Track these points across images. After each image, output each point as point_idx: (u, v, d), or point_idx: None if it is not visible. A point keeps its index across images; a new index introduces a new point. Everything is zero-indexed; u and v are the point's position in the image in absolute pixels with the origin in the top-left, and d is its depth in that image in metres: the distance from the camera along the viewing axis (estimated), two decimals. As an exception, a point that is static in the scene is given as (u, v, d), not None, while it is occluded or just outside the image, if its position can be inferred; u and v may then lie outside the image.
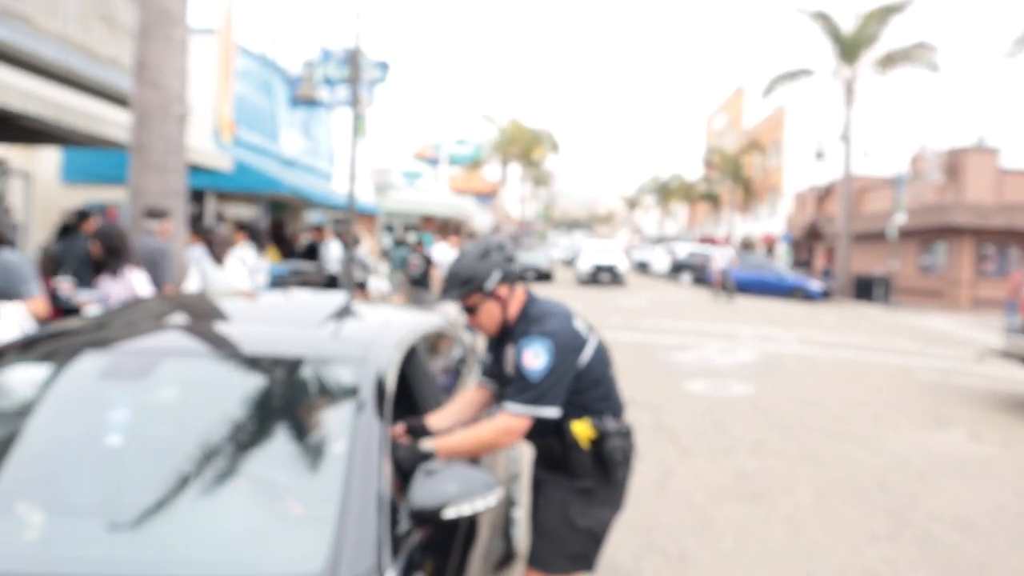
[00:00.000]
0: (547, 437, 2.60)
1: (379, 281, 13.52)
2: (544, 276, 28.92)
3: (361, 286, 13.09)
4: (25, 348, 2.36)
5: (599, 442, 2.55)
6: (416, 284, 12.61)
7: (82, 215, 7.12)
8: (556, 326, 2.52)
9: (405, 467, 2.17)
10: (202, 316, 2.75)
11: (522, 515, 3.98)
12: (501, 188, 44.94)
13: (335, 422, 2.13)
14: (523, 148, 41.56)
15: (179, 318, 2.66)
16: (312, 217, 18.20)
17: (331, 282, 11.65)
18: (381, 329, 2.70)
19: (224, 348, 2.38)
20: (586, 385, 2.58)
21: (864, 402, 8.65)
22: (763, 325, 16.21)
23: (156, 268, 5.52)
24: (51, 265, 6.42)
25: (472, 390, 2.80)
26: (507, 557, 3.81)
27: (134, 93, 6.27)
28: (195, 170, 10.28)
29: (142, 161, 6.22)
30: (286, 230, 16.23)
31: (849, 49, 27.52)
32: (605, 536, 2.69)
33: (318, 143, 17.50)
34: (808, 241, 36.55)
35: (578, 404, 2.56)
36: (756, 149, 43.81)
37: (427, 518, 1.91)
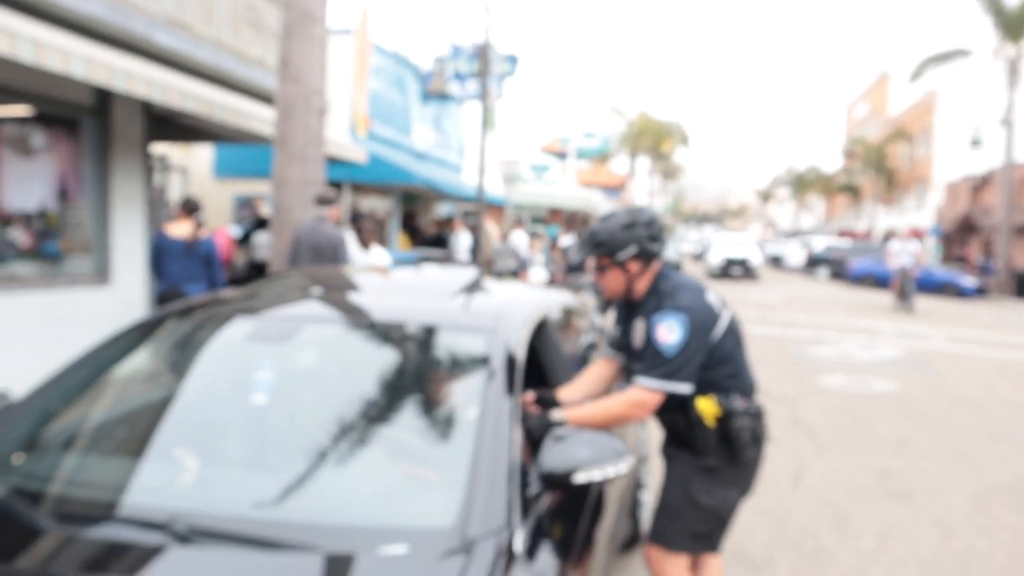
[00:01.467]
0: (672, 413, 2.54)
1: (538, 271, 13.94)
2: (673, 267, 28.38)
3: (514, 274, 13.59)
4: (184, 313, 2.54)
5: (725, 420, 2.47)
6: (572, 271, 13.09)
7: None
8: (690, 301, 2.45)
9: (535, 436, 2.18)
10: (341, 287, 2.87)
11: (649, 498, 3.91)
12: (629, 181, 44.37)
13: (466, 389, 2.16)
14: (652, 141, 40.84)
15: (321, 289, 2.79)
16: (442, 209, 18.67)
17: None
18: (511, 303, 2.72)
19: (360, 315, 2.47)
20: (715, 361, 2.49)
21: (1027, 404, 7.90)
22: (908, 322, 15.14)
23: (337, 252, 6.15)
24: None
25: (600, 364, 2.77)
26: (633, 539, 3.76)
27: (278, 88, 6.64)
28: (332, 163, 10.81)
29: (285, 152, 6.58)
30: (418, 221, 16.76)
31: (1014, 25, 25.16)
32: (730, 517, 2.60)
33: (448, 136, 17.91)
34: (961, 235, 33.78)
35: (705, 380, 2.48)
36: (902, 137, 40.92)
37: (557, 482, 1.90)
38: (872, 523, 4.40)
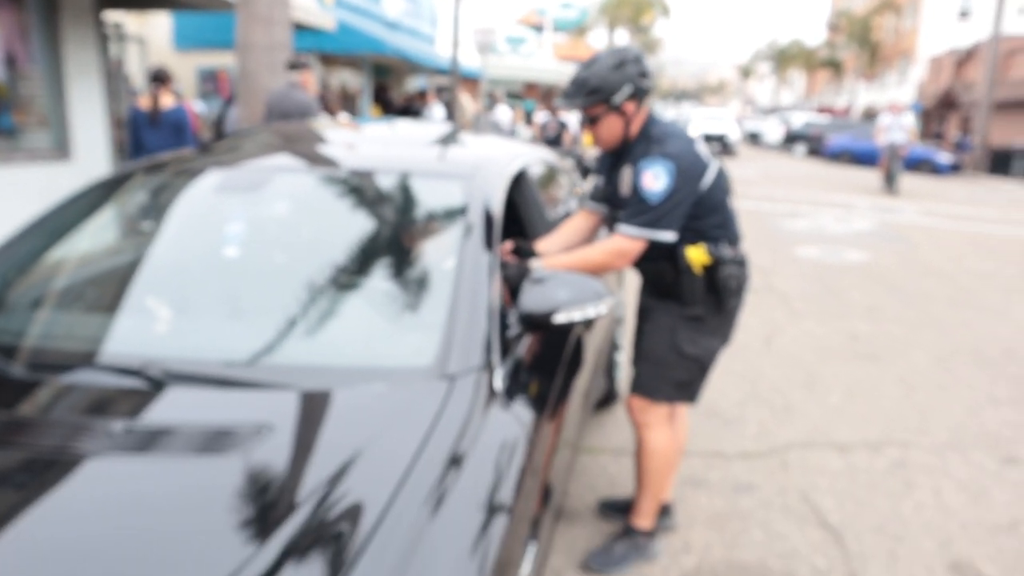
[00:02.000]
0: (659, 262, 2.53)
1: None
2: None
3: None
4: (152, 168, 2.43)
5: (713, 269, 2.46)
6: (550, 144, 13.09)
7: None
8: (678, 148, 2.38)
9: (513, 283, 2.16)
10: (313, 140, 2.76)
11: (624, 359, 3.99)
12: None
13: (443, 235, 2.12)
14: (631, 12, 39.33)
15: (292, 142, 2.68)
16: (416, 82, 18.07)
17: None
18: (488, 153, 2.64)
19: (333, 165, 2.39)
20: (704, 211, 2.46)
21: (992, 274, 8.08)
22: (881, 198, 15.20)
23: (308, 118, 5.77)
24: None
25: (580, 216, 2.73)
26: (609, 398, 3.87)
27: (237, -56, 6.20)
28: (299, 31, 10.29)
29: (248, 14, 6.22)
30: (391, 94, 16.23)
31: None
32: (711, 367, 2.65)
33: (420, 5, 17.09)
34: (940, 111, 33.55)
35: (694, 229, 2.46)
36: (889, 9, 39.79)
37: (537, 323, 1.90)
38: (840, 382, 4.55)
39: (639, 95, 2.40)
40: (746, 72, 75.67)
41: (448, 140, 2.82)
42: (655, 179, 2.32)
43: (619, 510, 2.93)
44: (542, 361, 2.07)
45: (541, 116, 16.98)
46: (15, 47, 6.58)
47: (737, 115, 51.34)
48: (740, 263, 2.50)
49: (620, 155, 2.54)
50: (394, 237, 2.15)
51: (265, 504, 1.25)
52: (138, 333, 1.88)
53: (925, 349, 5.27)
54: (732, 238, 2.56)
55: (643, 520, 2.70)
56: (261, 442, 1.39)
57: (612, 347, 3.73)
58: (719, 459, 3.49)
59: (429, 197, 2.24)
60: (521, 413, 1.73)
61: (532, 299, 1.90)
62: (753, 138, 36.99)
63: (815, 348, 5.19)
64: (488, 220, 2.08)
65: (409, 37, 15.66)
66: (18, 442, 1.40)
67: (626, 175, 2.47)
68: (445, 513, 1.29)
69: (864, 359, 5.00)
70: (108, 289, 2.12)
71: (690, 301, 2.52)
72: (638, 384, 2.63)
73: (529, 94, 28.65)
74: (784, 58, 56.79)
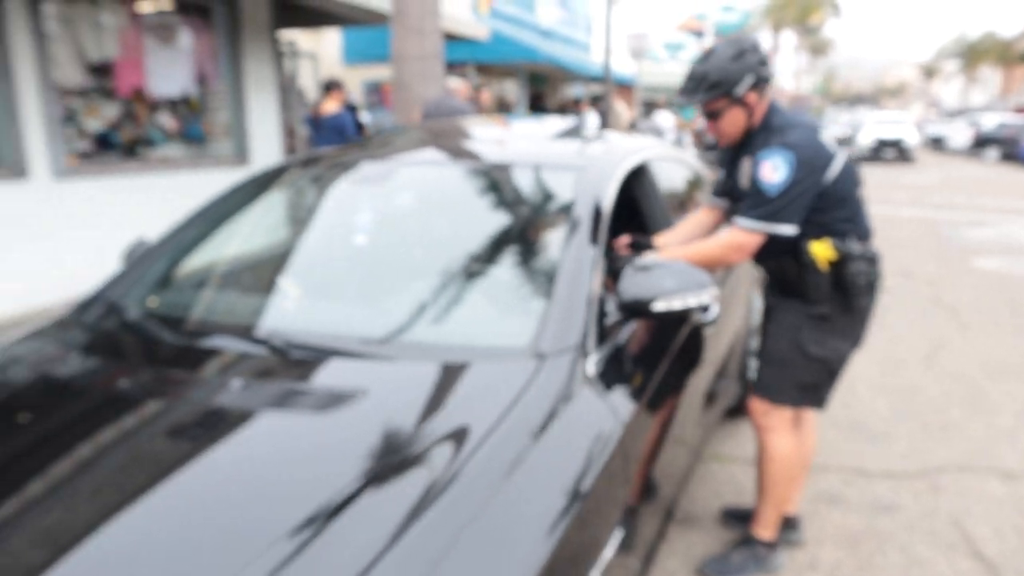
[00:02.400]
0: (782, 258, 2.41)
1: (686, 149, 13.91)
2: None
3: None
4: (308, 162, 2.63)
5: (840, 265, 2.31)
6: (710, 149, 13.31)
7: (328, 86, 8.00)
8: (799, 138, 2.26)
9: None
10: (438, 136, 2.87)
11: (760, 365, 3.81)
12: (772, 59, 41.26)
13: (553, 225, 2.14)
14: (798, 12, 37.46)
15: (420, 138, 2.81)
16: (571, 90, 18.23)
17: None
18: (606, 147, 2.63)
19: (450, 158, 2.48)
20: (830, 204, 2.32)
21: None
22: (1090, 204, 13.48)
23: None
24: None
25: (702, 212, 2.65)
26: (743, 405, 3.71)
27: (394, -39, 6.55)
28: (454, 41, 10.70)
29: (402, 26, 6.55)
30: (546, 102, 16.48)
31: None
32: (840, 370, 2.49)
33: (574, 13, 17.21)
34: None
35: (819, 223, 2.32)
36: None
37: (636, 309, 1.87)
38: (1014, 402, 4.09)
39: (761, 84, 2.31)
40: (929, 72, 69.86)
41: (571, 134, 2.84)
42: (774, 170, 2.22)
43: (742, 519, 2.81)
44: (648, 352, 2.03)
45: (700, 122, 16.64)
46: (206, 67, 7.34)
47: (917, 119, 47.45)
48: (870, 259, 2.33)
49: (741, 147, 2.45)
50: (506, 227, 2.21)
51: (348, 458, 1.34)
52: (275, 311, 2.06)
53: (1124, 372, 4.62)
54: (862, 233, 2.39)
55: (764, 530, 2.57)
56: (358, 403, 1.51)
57: (747, 352, 3.58)
58: (859, 476, 3.25)
59: (540, 188, 2.27)
60: (615, 398, 1.72)
61: (631, 285, 1.87)
62: (936, 143, 34.02)
63: (985, 365, 4.70)
64: (596, 211, 2.08)
65: (563, 45, 15.82)
66: (166, 393, 1.61)
67: (746, 166, 2.38)
68: (515, 480, 1.31)
69: (1045, 379, 4.47)
70: (256, 272, 2.33)
71: (815, 299, 2.38)
72: (760, 385, 2.52)
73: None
74: (975, 53, 51.86)
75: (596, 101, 14.56)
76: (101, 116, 6.48)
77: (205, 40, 7.28)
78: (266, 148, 7.91)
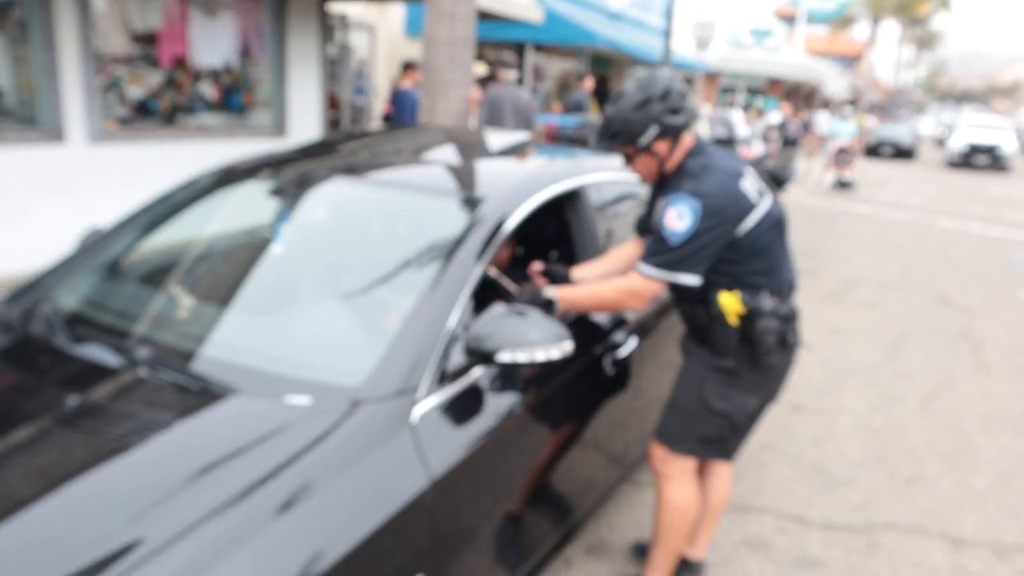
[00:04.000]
0: (694, 305, 2.33)
1: (756, 144, 13.71)
2: (904, 153, 25.23)
3: (725, 143, 13.41)
4: (252, 168, 2.67)
5: (748, 320, 2.21)
6: (788, 144, 14.07)
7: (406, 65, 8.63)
8: (711, 186, 2.15)
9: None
10: (362, 150, 2.84)
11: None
12: (868, 50, 39.22)
13: (425, 258, 2.11)
14: (900, 3, 35.39)
15: (344, 151, 2.81)
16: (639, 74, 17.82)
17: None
18: (528, 171, 2.56)
19: (371, 177, 2.46)
20: (744, 255, 2.22)
21: None
22: None
23: (530, 116, 7.26)
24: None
25: (630, 243, 2.57)
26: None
27: (430, -57, 6.50)
28: (510, 23, 10.60)
29: (435, 10, 6.51)
30: (610, 86, 16.18)
31: None
32: (747, 426, 2.40)
33: (649, -4, 16.77)
34: None
35: (731, 274, 2.23)
36: None
37: (482, 357, 1.83)
38: (998, 461, 3.85)
39: (670, 133, 2.20)
40: (1048, 72, 65.15)
41: (505, 154, 2.79)
42: (678, 218, 2.13)
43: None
44: (515, 386, 2.00)
45: (775, 116, 16.02)
46: (251, 39, 7.50)
47: (1021, 124, 44.44)
48: (783, 317, 2.22)
49: (660, 185, 2.36)
50: (380, 257, 2.20)
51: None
52: (157, 319, 2.14)
53: None
54: (779, 288, 2.28)
55: (655, 574, 2.52)
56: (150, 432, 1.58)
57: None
58: (797, 524, 3.13)
59: (431, 218, 2.25)
60: (438, 446, 1.70)
61: (478, 329, 1.83)
62: (1039, 151, 31.89)
63: (986, 414, 4.43)
64: (485, 242, 2.05)
65: (633, 29, 15.44)
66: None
67: (658, 208, 2.29)
68: (265, 534, 1.36)
69: (1048, 436, 4.19)
70: (152, 272, 2.41)
71: (722, 351, 2.30)
72: (661, 431, 2.45)
73: (772, 91, 27.08)
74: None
75: None
76: (144, 83, 6.72)
77: (251, 12, 7.43)
78: (305, 120, 8.05)
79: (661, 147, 2.24)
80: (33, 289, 2.27)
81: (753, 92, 26.83)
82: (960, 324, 6.20)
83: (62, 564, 1.24)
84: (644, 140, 2.21)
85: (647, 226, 2.52)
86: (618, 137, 2.24)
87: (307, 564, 1.36)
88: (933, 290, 7.34)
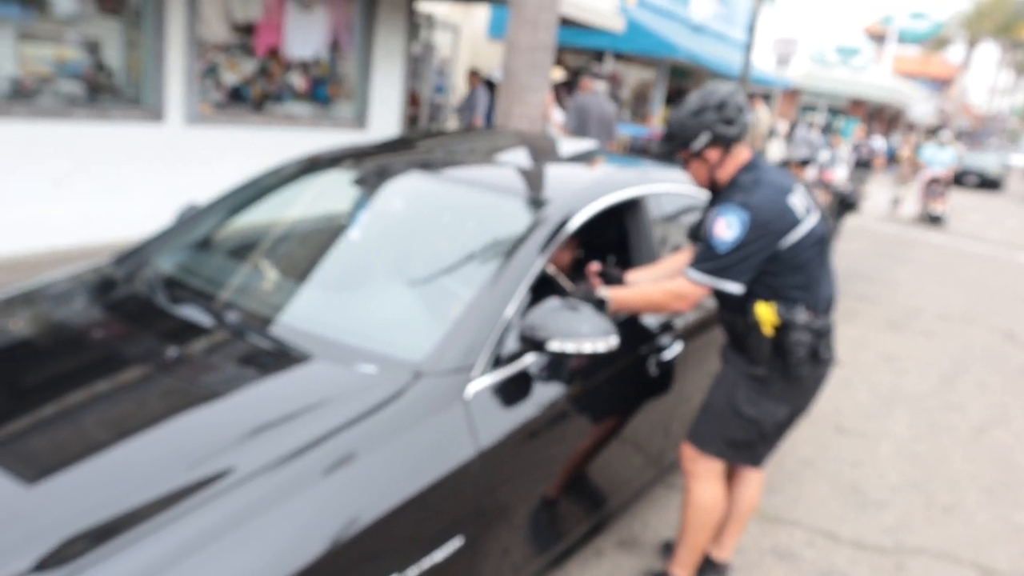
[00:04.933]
0: (733, 313, 2.47)
1: (840, 167, 13.72)
2: (989, 184, 24.29)
3: (804, 164, 13.46)
4: (337, 159, 2.93)
5: (782, 331, 2.35)
6: (861, 166, 13.95)
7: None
8: (761, 199, 2.29)
9: None
10: (450, 148, 3.07)
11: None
12: (961, 73, 37.81)
13: (493, 251, 2.31)
14: (1001, 24, 33.95)
15: (424, 146, 3.04)
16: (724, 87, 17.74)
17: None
18: (593, 177, 2.74)
19: (445, 173, 2.68)
20: (785, 268, 2.35)
21: None
22: None
23: (607, 128, 7.65)
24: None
25: (684, 251, 2.72)
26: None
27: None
28: (592, 31, 10.76)
29: (518, 16, 6.72)
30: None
31: None
32: (776, 434, 2.53)
33: (734, 10, 16.65)
34: None
35: (770, 286, 2.36)
36: None
37: (534, 344, 2.01)
38: (1044, 497, 3.84)
39: (721, 142, 2.36)
40: None
41: (573, 160, 2.97)
42: (727, 227, 2.28)
43: (678, 554, 2.89)
44: (564, 378, 2.18)
45: (857, 136, 15.72)
46: (341, 34, 7.86)
47: None
48: (817, 332, 2.35)
49: (714, 196, 2.51)
50: (455, 247, 2.41)
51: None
52: (247, 290, 2.42)
53: None
54: (816, 303, 2.39)
55: (680, 570, 2.66)
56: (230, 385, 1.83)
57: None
58: (827, 539, 3.22)
59: (500, 215, 2.44)
60: (488, 421, 1.90)
61: (532, 318, 2.02)
62: None
63: (1040, 452, 4.39)
64: (547, 240, 2.24)
65: (715, 42, 15.39)
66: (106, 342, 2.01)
67: (710, 217, 2.44)
68: (330, 480, 1.58)
69: (1100, 480, 4.13)
70: (251, 251, 2.69)
71: (755, 360, 2.43)
72: (692, 431, 2.59)
73: (854, 111, 26.43)
74: None
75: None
76: (239, 71, 7.14)
77: (344, 8, 7.79)
78: (386, 114, 8.39)
79: (713, 154, 2.40)
80: (137, 254, 2.57)
81: (834, 112, 26.23)
82: (1022, 361, 6.08)
83: (156, 481, 1.48)
84: (697, 145, 2.37)
85: (699, 234, 2.67)
86: (674, 140, 2.41)
87: (364, 508, 1.57)
88: (999, 325, 7.19)
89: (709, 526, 2.59)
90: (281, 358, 1.94)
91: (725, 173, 2.44)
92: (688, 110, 2.38)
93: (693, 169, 2.48)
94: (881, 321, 6.82)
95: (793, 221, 2.33)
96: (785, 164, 14.55)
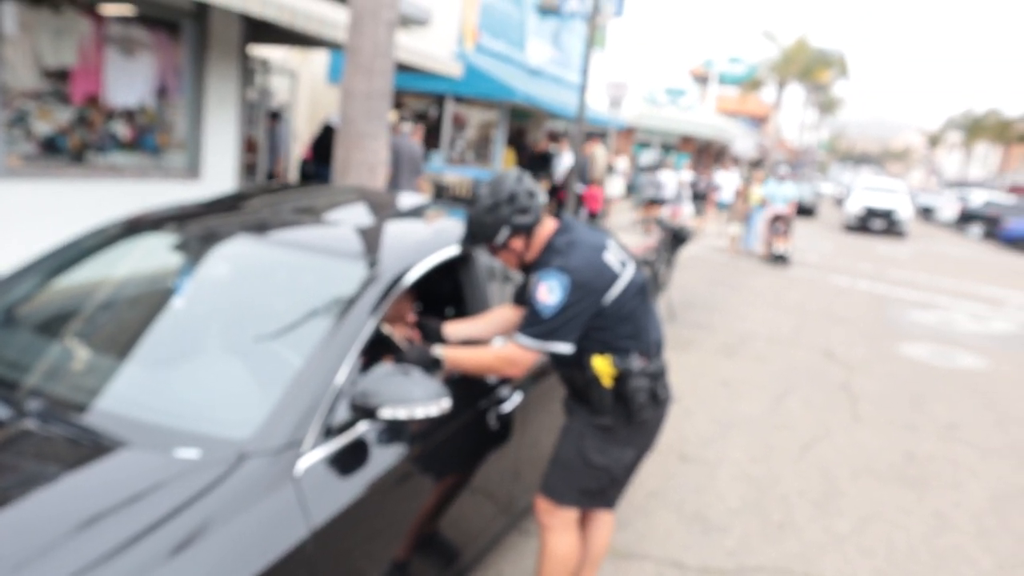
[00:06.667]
0: (570, 368, 2.53)
1: (687, 204, 14.61)
2: (805, 211, 26.69)
3: (652, 203, 14.26)
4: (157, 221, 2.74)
5: (620, 381, 2.43)
6: (698, 199, 15.72)
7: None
8: (578, 261, 2.37)
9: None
10: (272, 210, 2.97)
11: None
12: (774, 113, 41.63)
13: (330, 312, 2.24)
14: (803, 69, 37.81)
15: (250, 210, 2.93)
16: (555, 127, 18.44)
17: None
18: (426, 233, 2.75)
19: (274, 236, 2.58)
20: (612, 321, 2.44)
21: None
22: (1049, 296, 13.64)
23: (416, 166, 8.42)
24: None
25: (506, 308, 2.76)
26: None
27: (350, -1, 6.72)
28: (432, 76, 10.89)
29: (353, 63, 6.68)
30: (527, 138, 16.68)
31: None
32: (625, 476, 2.60)
33: (568, 54, 17.46)
34: None
35: (601, 340, 2.44)
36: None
37: (364, 411, 1.97)
38: (860, 506, 4.19)
39: (522, 230, 2.43)
40: (934, 140, 70.50)
41: (401, 215, 2.97)
42: (549, 292, 2.33)
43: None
44: (402, 440, 2.13)
45: (686, 174, 16.83)
46: (168, 79, 7.49)
47: (916, 186, 47.68)
48: (652, 375, 2.45)
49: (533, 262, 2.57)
50: (279, 313, 2.32)
51: None
52: (54, 370, 2.20)
53: (986, 483, 4.72)
54: (646, 348, 2.50)
55: (536, 620, 2.66)
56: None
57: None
58: (674, 569, 3.34)
59: (330, 277, 2.39)
60: (319, 497, 1.82)
61: (363, 385, 1.97)
62: (926, 213, 34.34)
63: (856, 463, 4.80)
64: (375, 303, 2.19)
65: (551, 85, 16.04)
66: None
67: (531, 281, 2.49)
68: None
69: (907, 484, 4.57)
70: (51, 322, 2.46)
71: (599, 410, 2.50)
72: (545, 485, 2.62)
73: (684, 147, 28.35)
74: (975, 128, 52.41)
75: (556, 138, 14.91)
76: (53, 120, 6.61)
77: (170, 53, 7.43)
78: (221, 163, 8.05)
79: (517, 243, 2.48)
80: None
81: (667, 148, 28.03)
82: (841, 378, 6.67)
83: None
84: (499, 239, 2.44)
85: (523, 298, 2.73)
86: (477, 239, 2.47)
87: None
88: (820, 345, 7.86)
89: (566, 575, 2.61)
90: (89, 449, 1.78)
91: (533, 253, 2.51)
92: (483, 207, 2.42)
93: (503, 258, 2.54)
94: (718, 347, 7.27)
95: (612, 277, 2.42)
96: (642, 204, 15.47)
